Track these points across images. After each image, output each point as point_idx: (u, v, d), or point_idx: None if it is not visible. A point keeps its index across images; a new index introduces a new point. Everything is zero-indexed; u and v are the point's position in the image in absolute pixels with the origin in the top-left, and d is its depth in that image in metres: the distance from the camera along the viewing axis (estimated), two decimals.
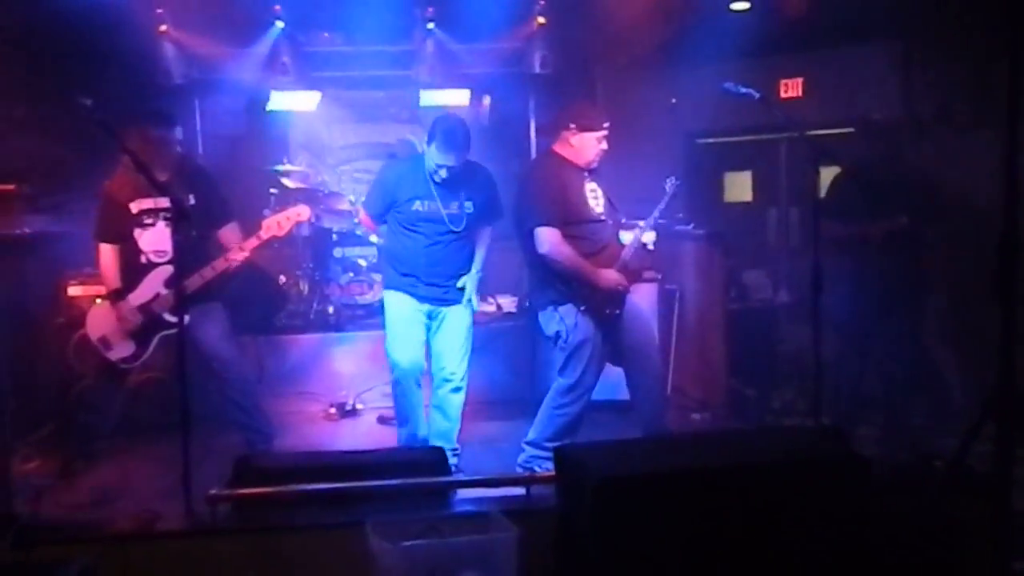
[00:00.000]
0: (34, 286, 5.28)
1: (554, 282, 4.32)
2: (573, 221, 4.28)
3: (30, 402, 4.40)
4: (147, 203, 4.43)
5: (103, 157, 4.44)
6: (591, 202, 4.39)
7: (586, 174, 4.42)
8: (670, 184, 4.47)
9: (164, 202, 4.29)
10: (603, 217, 4.42)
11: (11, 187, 5.47)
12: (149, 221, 4.45)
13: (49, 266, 5.42)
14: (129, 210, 4.43)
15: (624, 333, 4.44)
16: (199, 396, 4.08)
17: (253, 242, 4.50)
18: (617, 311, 4.36)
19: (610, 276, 4.30)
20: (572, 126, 4.36)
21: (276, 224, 4.56)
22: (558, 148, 4.43)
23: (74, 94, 3.41)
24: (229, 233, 4.56)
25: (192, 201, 4.34)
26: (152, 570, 2.84)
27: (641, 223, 4.43)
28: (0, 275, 4.80)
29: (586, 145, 4.38)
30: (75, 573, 2.46)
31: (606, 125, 4.38)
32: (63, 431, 4.89)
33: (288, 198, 7.20)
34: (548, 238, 4.22)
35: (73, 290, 5.38)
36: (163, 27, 6.86)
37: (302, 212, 4.74)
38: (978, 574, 2.74)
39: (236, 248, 4.45)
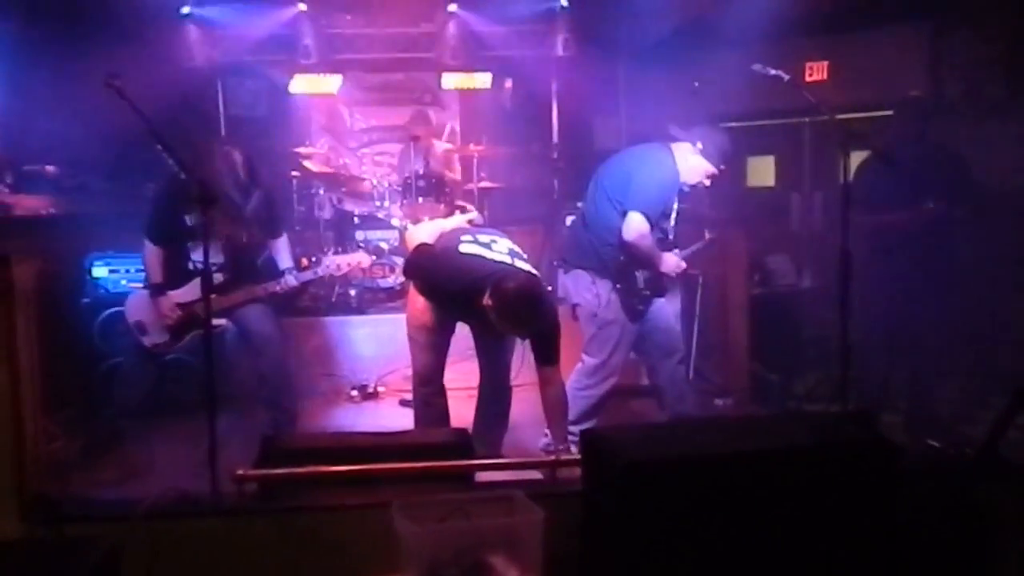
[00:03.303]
0: (58, 266, 5.31)
1: (603, 255, 4.32)
2: (655, 225, 4.29)
3: (55, 382, 4.43)
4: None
5: (127, 139, 4.45)
6: (672, 216, 4.45)
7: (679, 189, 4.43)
8: (707, 234, 4.71)
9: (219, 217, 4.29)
10: (672, 235, 4.49)
11: (37, 167, 5.51)
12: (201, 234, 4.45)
13: (73, 246, 5.45)
14: (184, 221, 4.43)
15: (645, 319, 4.44)
16: (224, 376, 4.10)
17: (308, 275, 4.74)
18: (642, 307, 4.36)
19: (670, 260, 4.37)
20: (698, 144, 4.34)
21: (336, 266, 4.75)
22: (676, 150, 4.39)
23: (103, 76, 3.40)
24: (279, 244, 4.73)
25: (252, 208, 4.44)
26: (179, 548, 2.85)
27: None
28: (25, 255, 4.82)
29: (693, 168, 4.36)
30: (103, 551, 2.47)
31: (722, 168, 4.38)
32: (88, 411, 4.93)
33: (310, 181, 7.24)
34: (640, 227, 4.20)
35: (97, 271, 5.41)
36: (186, 9, 6.88)
37: (363, 260, 4.90)
38: (1009, 562, 2.72)
39: (291, 278, 4.63)
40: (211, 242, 4.38)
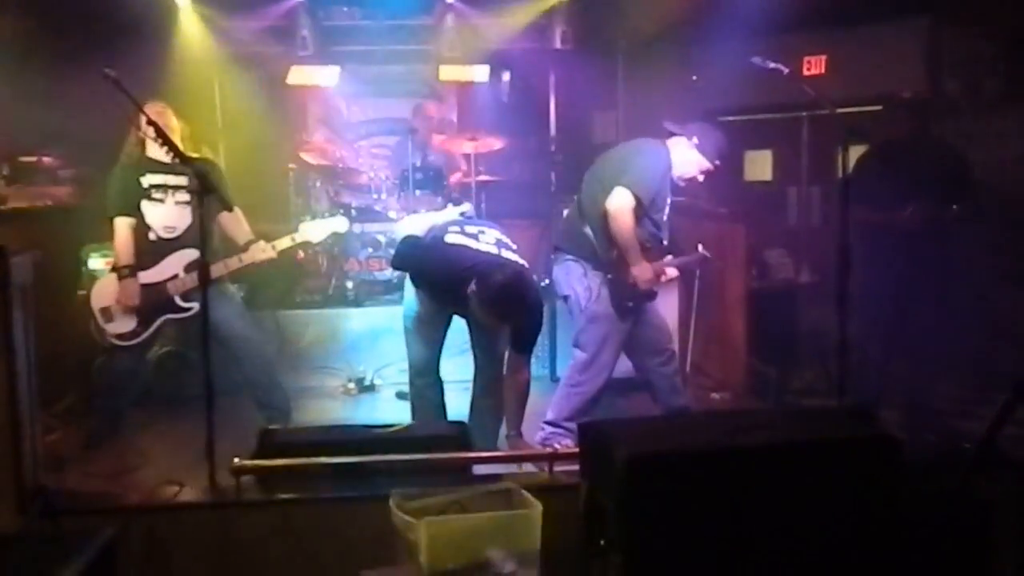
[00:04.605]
0: (56, 258, 5.28)
1: (598, 245, 4.30)
2: (645, 213, 4.27)
3: (53, 373, 4.41)
4: (157, 179, 4.42)
5: (124, 130, 4.44)
6: (665, 210, 4.42)
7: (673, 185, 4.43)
8: (700, 248, 4.66)
9: (174, 179, 4.36)
10: (665, 238, 4.45)
11: (33, 159, 5.48)
12: (158, 196, 4.42)
13: (70, 238, 5.43)
14: (139, 183, 4.40)
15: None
16: (220, 369, 4.09)
17: (285, 242, 4.52)
18: (631, 303, 4.33)
19: (646, 270, 4.27)
20: (694, 139, 4.36)
21: (314, 229, 4.62)
22: (672, 144, 4.41)
23: (99, 67, 3.38)
24: (232, 221, 4.49)
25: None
26: (177, 540, 2.86)
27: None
28: (21, 247, 4.80)
29: (687, 161, 4.37)
30: (101, 543, 2.47)
31: (717, 163, 4.38)
32: (86, 402, 4.91)
33: (306, 173, 7.21)
34: (623, 201, 4.17)
35: (94, 263, 5.39)
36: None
37: (339, 225, 4.77)
38: (1007, 556, 2.73)
39: (267, 247, 4.44)
40: (169, 210, 4.40)
